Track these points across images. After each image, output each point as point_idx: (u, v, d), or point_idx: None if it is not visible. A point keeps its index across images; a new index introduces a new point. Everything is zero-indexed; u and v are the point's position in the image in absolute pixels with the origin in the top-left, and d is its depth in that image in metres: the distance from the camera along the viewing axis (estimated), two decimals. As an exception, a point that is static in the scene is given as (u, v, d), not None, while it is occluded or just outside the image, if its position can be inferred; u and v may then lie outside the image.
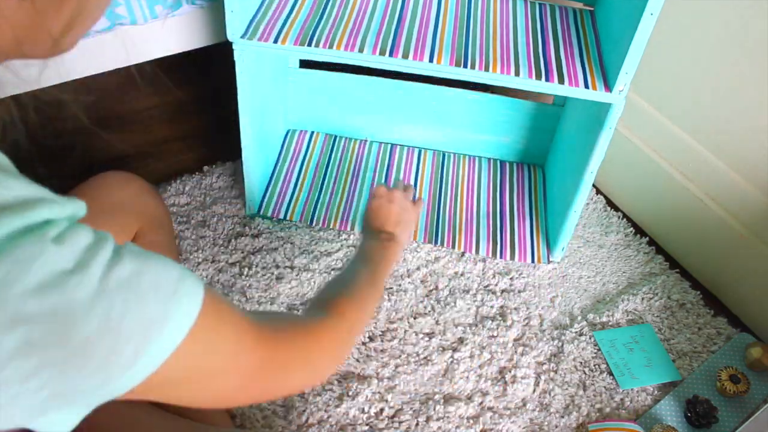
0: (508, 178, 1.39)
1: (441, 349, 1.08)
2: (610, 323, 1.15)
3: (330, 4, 1.09)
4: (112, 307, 0.38)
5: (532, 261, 1.24)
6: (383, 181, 1.34)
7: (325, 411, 0.98)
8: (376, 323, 1.11)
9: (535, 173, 1.41)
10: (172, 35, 1.15)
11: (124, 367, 0.40)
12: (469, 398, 1.02)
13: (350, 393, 1.00)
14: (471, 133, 1.40)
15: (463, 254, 1.23)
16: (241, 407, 0.97)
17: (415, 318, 1.12)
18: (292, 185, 1.32)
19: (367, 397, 1.01)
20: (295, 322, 0.64)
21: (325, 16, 1.06)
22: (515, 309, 1.15)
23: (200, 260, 1.17)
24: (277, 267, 1.18)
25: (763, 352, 1.08)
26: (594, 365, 1.09)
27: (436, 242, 1.24)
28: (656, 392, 1.06)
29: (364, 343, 1.08)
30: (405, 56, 0.99)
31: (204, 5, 1.13)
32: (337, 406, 0.99)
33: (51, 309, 0.36)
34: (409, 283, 1.17)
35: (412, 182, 1.35)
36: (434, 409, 1.00)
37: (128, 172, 0.91)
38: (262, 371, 0.53)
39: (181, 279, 0.43)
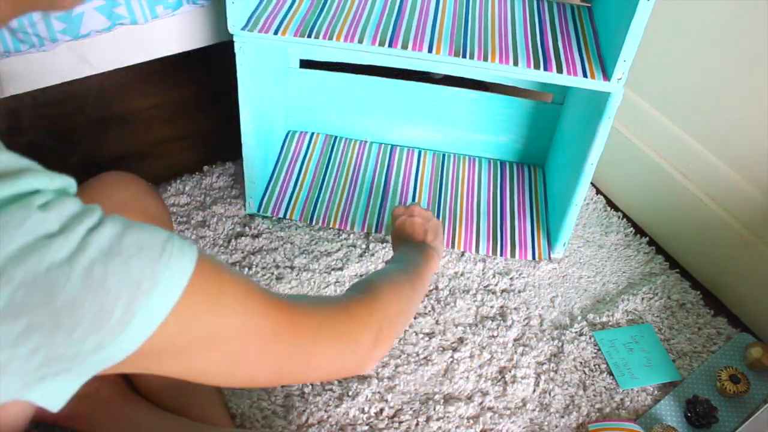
0: (508, 177, 1.39)
1: (441, 349, 1.08)
2: (610, 323, 1.15)
3: (330, -3, 1.10)
4: (93, 267, 0.38)
5: (533, 258, 1.24)
6: (383, 181, 1.34)
7: (325, 411, 0.99)
8: (376, 323, 1.11)
9: (535, 172, 1.41)
10: (173, 35, 1.15)
11: (116, 330, 0.39)
12: (469, 398, 1.02)
13: (350, 393, 1.01)
14: (471, 133, 1.41)
15: (463, 254, 1.23)
16: (241, 408, 0.97)
17: (415, 318, 1.12)
18: (292, 184, 1.32)
19: (367, 397, 1.01)
20: (320, 296, 0.62)
21: (325, 9, 1.08)
22: (515, 309, 1.15)
23: (200, 260, 1.17)
24: (277, 267, 1.18)
25: (763, 352, 1.08)
26: (594, 365, 1.09)
27: (436, 242, 1.24)
28: (656, 392, 1.06)
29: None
30: (404, 47, 1.00)
31: (204, 4, 1.13)
32: (337, 406, 0.99)
33: (34, 270, 0.36)
34: (409, 283, 1.17)
35: (412, 182, 1.35)
36: (434, 409, 1.00)
37: (128, 172, 0.91)
38: (281, 337, 0.51)
39: (169, 240, 0.42)
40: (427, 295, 1.16)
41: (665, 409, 1.04)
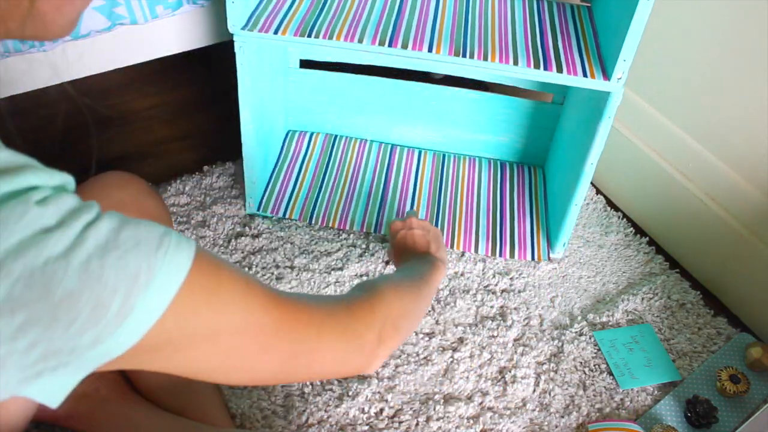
0: (508, 178, 1.39)
1: (441, 349, 1.08)
2: (610, 323, 1.15)
3: (330, -3, 1.10)
4: (90, 261, 0.38)
5: (533, 258, 1.24)
6: (383, 181, 1.34)
7: (325, 411, 0.99)
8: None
9: (535, 172, 1.41)
10: (173, 35, 1.15)
11: (113, 324, 0.39)
12: (469, 398, 1.02)
13: (350, 393, 1.01)
14: (471, 133, 1.41)
15: (463, 254, 1.23)
16: (241, 408, 0.97)
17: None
18: (291, 184, 1.32)
19: (367, 397, 1.01)
20: (321, 295, 0.62)
21: (325, 9, 1.08)
22: (515, 309, 1.15)
23: (200, 260, 1.17)
24: (277, 267, 1.18)
25: (763, 352, 1.08)
26: (594, 365, 1.09)
27: (436, 242, 1.24)
28: (656, 392, 1.06)
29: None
30: (404, 46, 1.00)
31: (204, 4, 1.13)
32: (337, 406, 0.99)
33: (32, 264, 0.36)
34: (409, 283, 1.17)
35: (411, 182, 1.35)
36: (434, 409, 1.00)
37: (128, 172, 0.91)
38: (282, 333, 0.51)
39: (166, 235, 0.43)
40: (427, 295, 1.16)
41: (665, 409, 1.04)
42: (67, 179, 0.42)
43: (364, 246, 1.22)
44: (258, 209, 1.26)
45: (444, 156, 1.42)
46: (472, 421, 0.99)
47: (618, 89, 1.00)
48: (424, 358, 1.07)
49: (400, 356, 1.06)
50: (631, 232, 1.32)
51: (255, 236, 1.22)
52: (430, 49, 1.00)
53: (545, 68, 1.00)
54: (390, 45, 1.01)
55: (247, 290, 0.49)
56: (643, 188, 1.32)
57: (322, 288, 1.15)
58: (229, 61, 1.05)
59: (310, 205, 1.28)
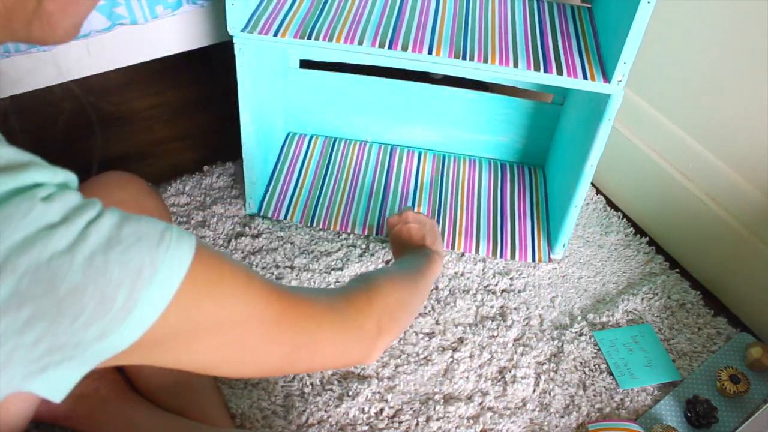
0: (509, 178, 1.39)
1: (441, 349, 1.08)
2: (610, 323, 1.15)
3: (330, -1, 1.10)
4: (94, 256, 0.39)
5: (533, 260, 1.24)
6: (383, 183, 1.34)
7: (325, 411, 0.99)
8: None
9: (535, 172, 1.41)
10: (173, 35, 1.15)
11: (118, 318, 0.40)
12: (469, 398, 1.02)
13: (350, 393, 1.01)
14: (471, 133, 1.41)
15: (463, 254, 1.23)
16: (241, 408, 0.97)
17: (415, 318, 1.12)
18: (292, 186, 1.32)
19: (367, 397, 1.01)
20: (320, 288, 0.63)
21: (325, 11, 1.08)
22: (515, 309, 1.15)
23: (200, 260, 1.17)
24: (277, 267, 1.18)
25: (763, 352, 1.08)
26: (594, 365, 1.09)
27: (436, 242, 1.24)
28: (656, 392, 1.06)
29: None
30: (404, 48, 1.00)
31: (204, 4, 1.13)
32: (337, 406, 0.99)
33: (37, 260, 0.37)
34: (409, 283, 1.17)
35: (412, 183, 1.35)
36: (434, 409, 1.00)
37: (128, 172, 0.91)
38: (284, 325, 0.52)
39: (167, 230, 0.43)
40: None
41: (665, 409, 1.04)
42: (70, 177, 0.42)
43: (364, 246, 1.22)
44: (258, 211, 1.26)
45: (444, 156, 1.42)
46: (472, 421, 0.99)
47: (618, 92, 1.00)
48: (424, 358, 1.07)
49: (400, 356, 1.06)
50: (631, 232, 1.32)
51: (255, 236, 1.22)
52: (430, 51, 1.00)
53: (545, 70, 0.99)
54: (390, 47, 1.00)
55: (248, 283, 0.49)
56: (643, 188, 1.32)
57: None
58: (229, 61, 1.05)
59: (311, 208, 1.28)
